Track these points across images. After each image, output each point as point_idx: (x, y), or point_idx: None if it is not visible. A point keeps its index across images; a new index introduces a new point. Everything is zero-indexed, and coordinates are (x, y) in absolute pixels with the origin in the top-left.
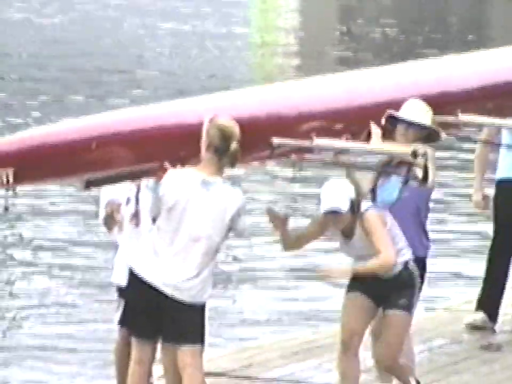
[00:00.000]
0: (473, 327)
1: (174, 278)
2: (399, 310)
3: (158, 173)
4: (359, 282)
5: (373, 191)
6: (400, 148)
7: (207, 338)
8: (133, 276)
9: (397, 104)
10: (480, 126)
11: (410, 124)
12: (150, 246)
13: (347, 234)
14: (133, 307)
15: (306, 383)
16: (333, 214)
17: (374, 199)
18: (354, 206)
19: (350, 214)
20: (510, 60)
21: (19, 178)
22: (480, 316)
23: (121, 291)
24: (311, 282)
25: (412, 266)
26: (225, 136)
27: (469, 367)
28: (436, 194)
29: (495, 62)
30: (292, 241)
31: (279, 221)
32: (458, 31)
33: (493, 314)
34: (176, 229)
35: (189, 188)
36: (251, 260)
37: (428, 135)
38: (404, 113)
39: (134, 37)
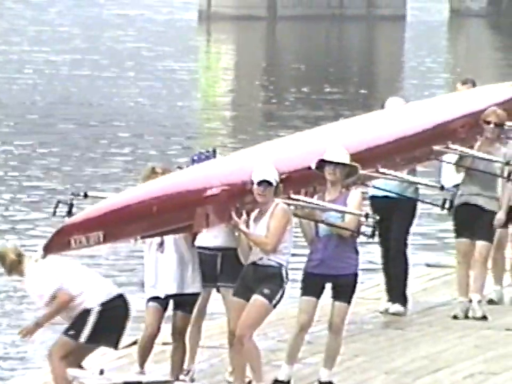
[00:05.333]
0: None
1: None
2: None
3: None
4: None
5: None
6: (356, 210)
7: None
8: None
9: None
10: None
11: (337, 164)
12: None
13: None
14: None
15: None
16: (265, 184)
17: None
18: (277, 189)
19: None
20: (407, 119)
21: (107, 239)
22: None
23: None
24: None
25: (285, 271)
26: None
27: (361, 339)
28: None
29: (399, 121)
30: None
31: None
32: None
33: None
34: None
35: None
36: None
37: (349, 172)
38: (330, 156)
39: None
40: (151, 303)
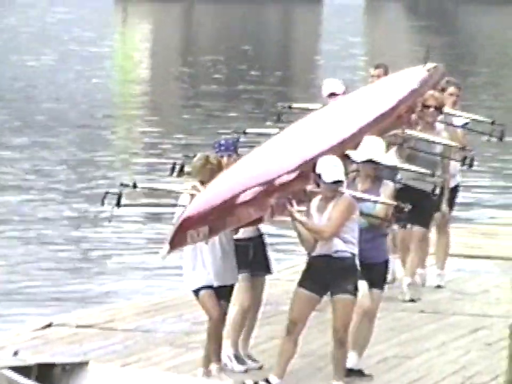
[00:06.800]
0: None
1: None
2: (345, 294)
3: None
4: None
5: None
6: (389, 201)
7: None
8: None
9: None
10: None
11: (379, 163)
12: None
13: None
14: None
15: (154, 332)
16: (337, 184)
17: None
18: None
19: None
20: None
21: (211, 233)
22: None
23: None
24: None
25: (355, 260)
26: None
27: (277, 321)
28: None
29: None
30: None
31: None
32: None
33: None
34: None
35: None
36: None
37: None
38: (376, 157)
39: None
40: (204, 291)
